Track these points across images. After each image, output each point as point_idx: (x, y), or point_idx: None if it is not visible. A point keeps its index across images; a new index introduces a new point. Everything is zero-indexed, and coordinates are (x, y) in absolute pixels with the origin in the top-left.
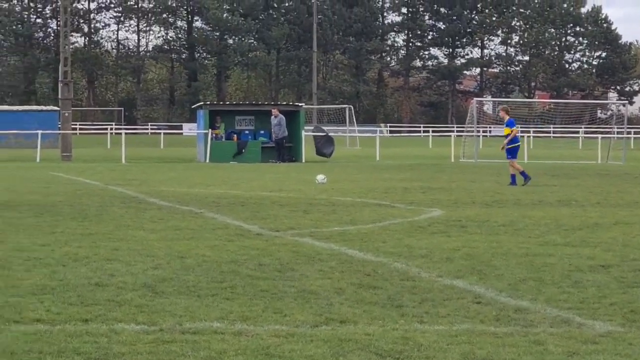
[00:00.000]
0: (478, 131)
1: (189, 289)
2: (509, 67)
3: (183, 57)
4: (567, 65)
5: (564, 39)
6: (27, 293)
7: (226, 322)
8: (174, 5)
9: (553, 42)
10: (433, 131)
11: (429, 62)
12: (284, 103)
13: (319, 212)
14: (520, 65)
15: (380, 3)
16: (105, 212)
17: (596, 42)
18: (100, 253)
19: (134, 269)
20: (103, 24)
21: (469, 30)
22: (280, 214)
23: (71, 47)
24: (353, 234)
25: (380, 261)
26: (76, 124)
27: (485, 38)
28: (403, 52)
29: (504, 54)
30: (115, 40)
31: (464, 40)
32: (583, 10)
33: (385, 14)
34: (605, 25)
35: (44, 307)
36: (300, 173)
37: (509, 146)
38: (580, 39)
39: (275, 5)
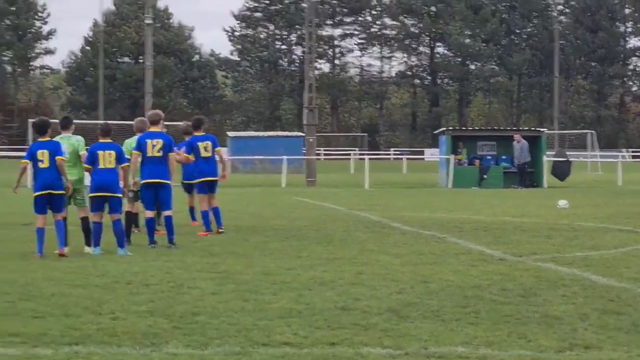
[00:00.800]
0: None
1: (433, 313)
2: None
3: (425, 82)
4: None
5: None
6: (274, 316)
7: (471, 347)
8: (417, 31)
9: None
10: None
11: None
12: (526, 128)
13: (561, 237)
14: None
15: (623, 28)
16: (349, 236)
17: None
18: (345, 277)
19: (378, 293)
20: (347, 50)
21: None
22: (523, 239)
23: (316, 73)
24: (596, 259)
25: (623, 287)
26: (320, 149)
27: None
28: None
29: None
30: (359, 66)
31: None
32: None
33: (627, 38)
34: None
35: (292, 330)
36: (542, 198)
37: None
38: None
39: (517, 31)
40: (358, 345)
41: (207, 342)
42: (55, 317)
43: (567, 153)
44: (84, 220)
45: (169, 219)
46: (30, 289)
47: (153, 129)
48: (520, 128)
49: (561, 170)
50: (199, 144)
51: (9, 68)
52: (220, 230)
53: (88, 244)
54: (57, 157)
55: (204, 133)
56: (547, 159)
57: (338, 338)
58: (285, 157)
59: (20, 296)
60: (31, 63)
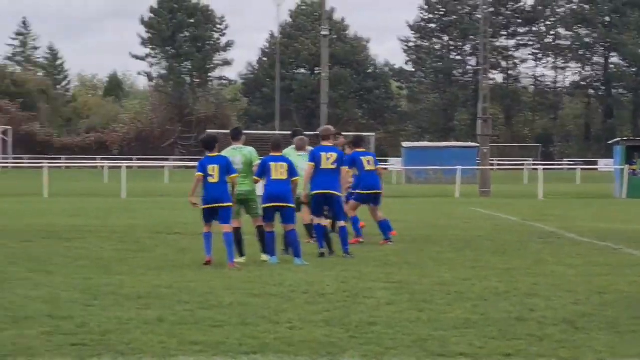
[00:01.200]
0: None
1: (609, 324)
2: None
3: (599, 93)
4: None
5: None
6: (449, 327)
7: None
8: (591, 41)
9: None
10: None
11: None
12: None
13: None
14: None
15: None
16: (523, 247)
17: None
18: (520, 288)
19: (553, 304)
20: (521, 60)
21: None
22: None
23: (490, 83)
24: None
25: None
26: (494, 160)
27: None
28: None
29: None
30: (532, 76)
31: None
32: None
33: None
34: None
35: (467, 340)
36: None
37: None
38: None
39: None
40: (533, 357)
41: (383, 352)
42: (233, 325)
43: None
44: (260, 228)
45: (343, 230)
46: (209, 297)
47: (325, 143)
48: None
49: None
50: (362, 158)
51: (187, 79)
52: (389, 242)
53: (265, 251)
54: (232, 176)
55: (364, 150)
56: None
57: (513, 349)
58: (459, 167)
59: (200, 305)
60: (209, 74)
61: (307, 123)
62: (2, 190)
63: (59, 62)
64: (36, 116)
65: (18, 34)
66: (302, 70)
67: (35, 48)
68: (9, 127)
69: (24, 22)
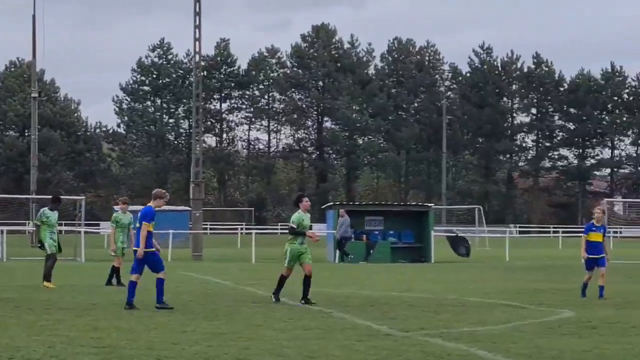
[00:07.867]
0: (609, 232)
1: None
2: None
3: (313, 156)
4: None
5: None
6: None
7: None
8: (304, 105)
9: None
10: (563, 232)
11: (559, 163)
12: (413, 203)
13: (448, 312)
14: None
15: (510, 104)
16: (236, 311)
17: None
18: (230, 352)
19: None
20: (234, 124)
21: (599, 130)
22: (410, 314)
23: (203, 146)
24: (483, 334)
25: None
26: (207, 224)
27: (616, 139)
28: (532, 152)
29: (635, 154)
30: (246, 140)
31: (594, 140)
32: None
33: (514, 114)
34: None
35: None
36: (430, 273)
37: None
38: None
39: (405, 106)
40: None
41: None
42: None
43: (454, 229)
44: None
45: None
46: None
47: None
48: (408, 203)
49: (459, 247)
50: None
51: None
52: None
53: None
54: None
55: None
56: (435, 234)
57: None
58: (171, 231)
59: None
60: None
61: (15, 186)
62: None
63: None
64: None
65: None
66: (11, 133)
67: None
68: None
69: None
